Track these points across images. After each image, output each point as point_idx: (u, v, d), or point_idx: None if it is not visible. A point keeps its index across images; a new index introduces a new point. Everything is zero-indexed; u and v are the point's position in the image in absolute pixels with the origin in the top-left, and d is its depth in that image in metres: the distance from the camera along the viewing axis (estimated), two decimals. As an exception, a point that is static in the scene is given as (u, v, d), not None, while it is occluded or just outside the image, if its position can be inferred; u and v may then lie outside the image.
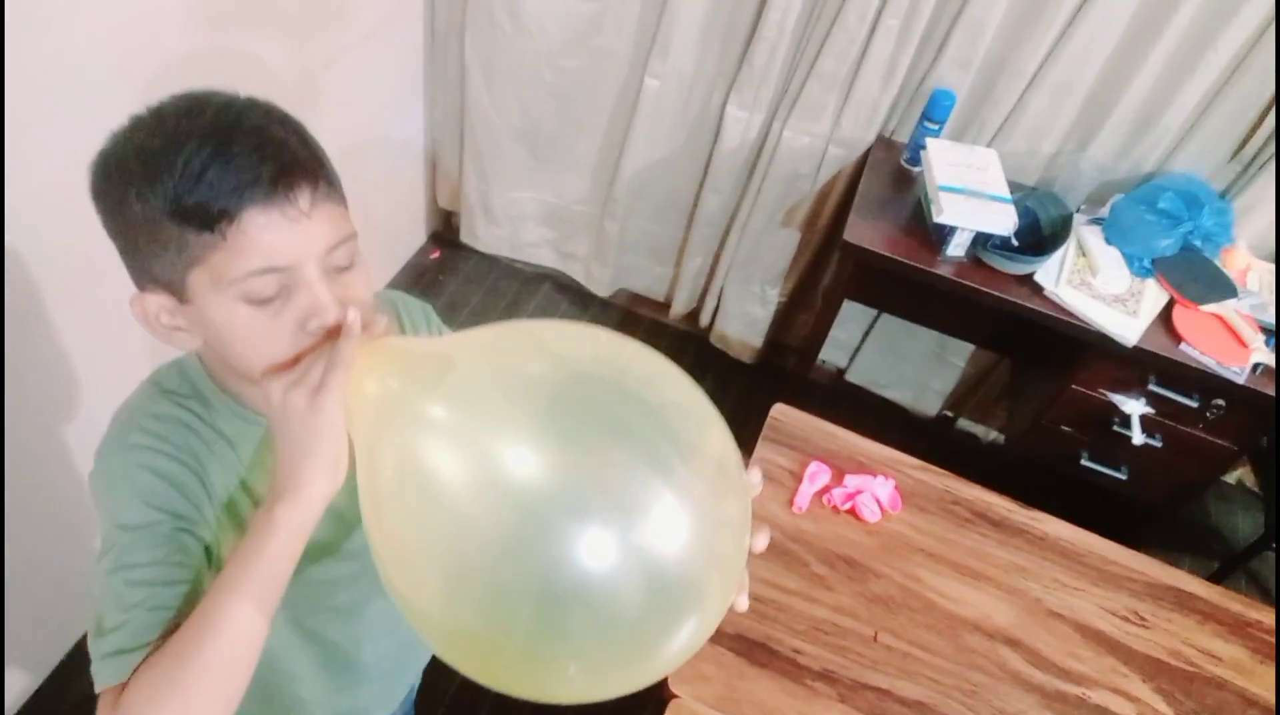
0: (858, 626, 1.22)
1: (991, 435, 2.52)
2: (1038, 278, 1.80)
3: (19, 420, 1.42)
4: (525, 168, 2.46)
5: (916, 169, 2.00)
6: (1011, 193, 1.83)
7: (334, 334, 0.66)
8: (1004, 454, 2.39)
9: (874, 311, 2.42)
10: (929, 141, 1.90)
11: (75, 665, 1.71)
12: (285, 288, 0.66)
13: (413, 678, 1.15)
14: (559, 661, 0.59)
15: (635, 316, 2.72)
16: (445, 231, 2.80)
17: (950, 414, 2.56)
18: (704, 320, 2.61)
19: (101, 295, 1.34)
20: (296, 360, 0.67)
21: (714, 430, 0.65)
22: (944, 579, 1.29)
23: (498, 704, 1.70)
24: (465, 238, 2.68)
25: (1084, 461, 1.98)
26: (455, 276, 2.71)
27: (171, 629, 0.65)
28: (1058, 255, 1.83)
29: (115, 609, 0.66)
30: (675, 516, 0.58)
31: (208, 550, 0.74)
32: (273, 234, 0.64)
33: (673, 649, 0.60)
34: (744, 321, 2.51)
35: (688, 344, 2.67)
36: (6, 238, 1.25)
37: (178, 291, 0.67)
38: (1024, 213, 1.85)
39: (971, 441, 2.55)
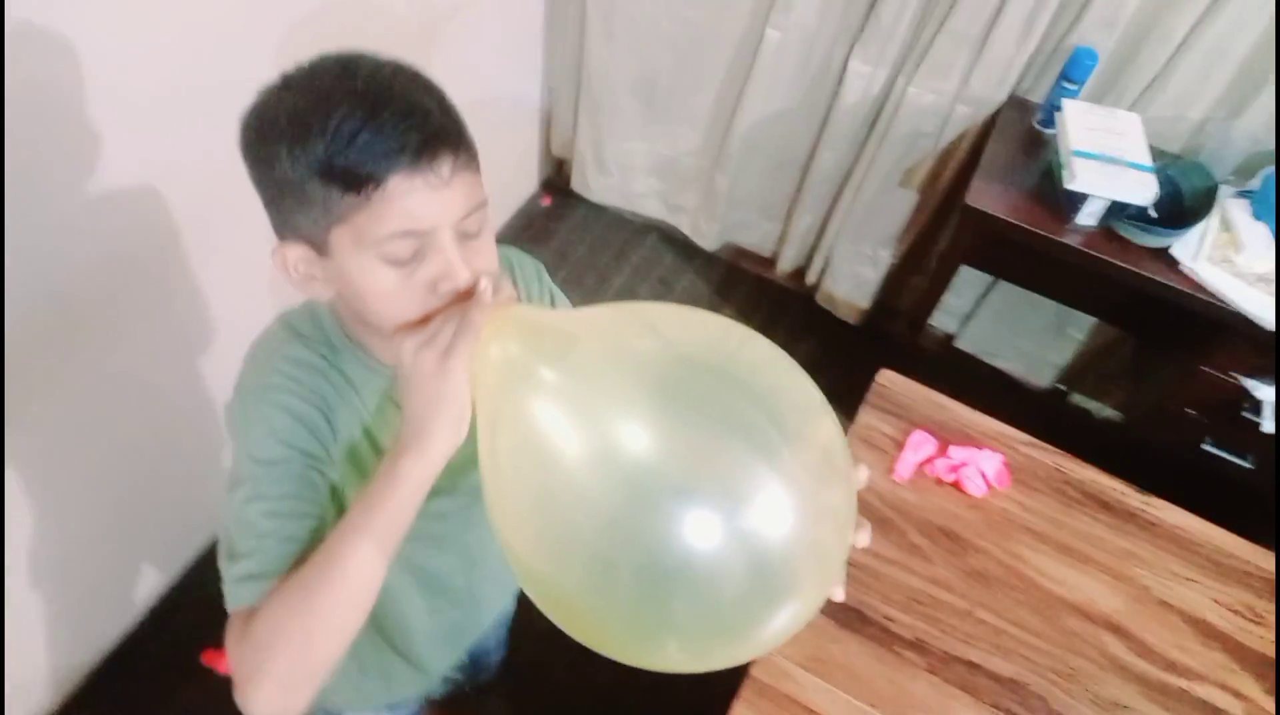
0: (953, 600, 1.20)
1: (1106, 412, 2.42)
2: (1175, 252, 1.70)
3: (162, 347, 1.53)
4: (639, 119, 2.45)
5: (1050, 132, 1.90)
6: (1153, 160, 1.72)
7: (463, 297, 0.69)
8: (1119, 432, 2.29)
9: (991, 278, 2.33)
10: (1065, 103, 1.80)
11: (202, 570, 1.84)
12: (420, 250, 0.69)
13: (505, 604, 1.21)
14: (655, 633, 0.61)
15: (740, 272, 2.71)
16: (557, 179, 2.83)
17: (1063, 388, 2.46)
18: (810, 279, 2.57)
19: (238, 239, 1.42)
20: (426, 319, 0.70)
21: (822, 419, 0.65)
22: (1048, 560, 1.26)
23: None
24: (576, 186, 2.70)
25: (1206, 446, 1.88)
26: (564, 224, 2.75)
27: (300, 560, 0.70)
28: (1198, 229, 1.72)
29: (248, 536, 0.71)
30: (778, 502, 0.59)
31: (335, 490, 0.79)
32: (415, 200, 0.66)
33: (768, 632, 0.62)
34: (852, 282, 2.46)
35: (792, 302, 2.64)
36: (153, 180, 1.34)
37: (319, 246, 0.71)
38: (1165, 182, 1.74)
39: (1084, 418, 2.45)
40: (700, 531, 0.57)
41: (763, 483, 0.59)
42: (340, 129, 0.64)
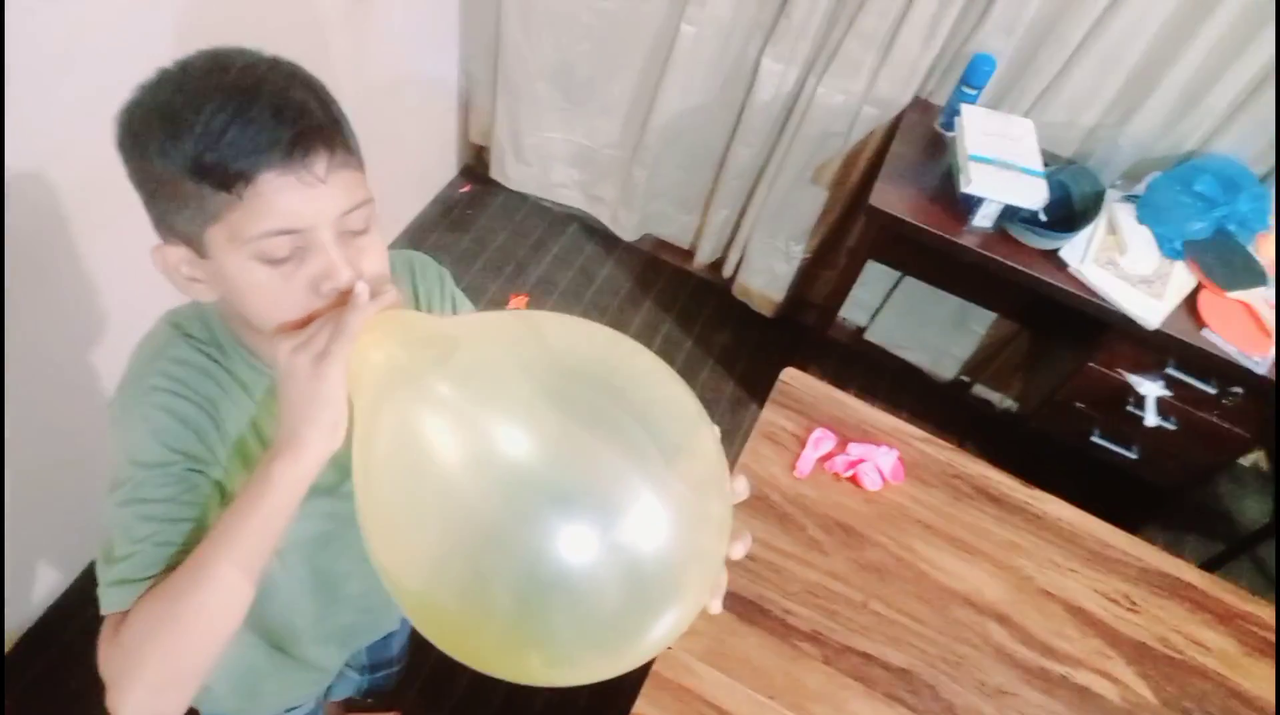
0: (849, 592, 1.25)
1: (1006, 403, 2.52)
2: (1063, 254, 1.78)
3: (50, 341, 1.47)
4: (557, 108, 2.44)
5: (950, 134, 1.97)
6: (1046, 164, 1.80)
7: (346, 298, 0.68)
8: (1017, 423, 2.40)
9: (898, 273, 2.40)
10: (964, 108, 1.87)
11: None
12: (299, 249, 0.68)
13: (395, 617, 1.20)
14: (533, 648, 0.61)
15: (659, 263, 2.73)
16: (476, 166, 2.80)
17: (966, 379, 2.56)
18: (727, 271, 2.60)
19: (126, 225, 1.37)
20: (308, 320, 0.69)
21: (702, 431, 0.66)
22: (938, 551, 1.31)
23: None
24: (495, 174, 2.68)
25: (1095, 438, 1.99)
26: (484, 212, 2.72)
27: (175, 564, 0.69)
28: (1086, 232, 1.81)
29: (125, 540, 0.70)
30: (656, 513, 0.59)
31: (221, 488, 0.78)
32: (287, 197, 0.65)
33: (648, 642, 0.62)
34: (767, 275, 2.51)
35: (709, 294, 2.67)
36: (32, 162, 1.28)
37: (196, 246, 0.69)
38: (1056, 186, 1.82)
39: (986, 408, 2.55)
40: (577, 542, 0.57)
41: (639, 493, 0.59)
42: (210, 125, 0.63)
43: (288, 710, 1.14)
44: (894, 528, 1.33)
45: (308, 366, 0.65)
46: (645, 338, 2.53)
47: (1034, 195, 1.73)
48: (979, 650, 1.23)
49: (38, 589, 1.72)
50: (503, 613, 0.59)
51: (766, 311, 2.60)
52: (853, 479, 1.36)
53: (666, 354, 2.49)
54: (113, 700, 0.66)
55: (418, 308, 0.92)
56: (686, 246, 2.67)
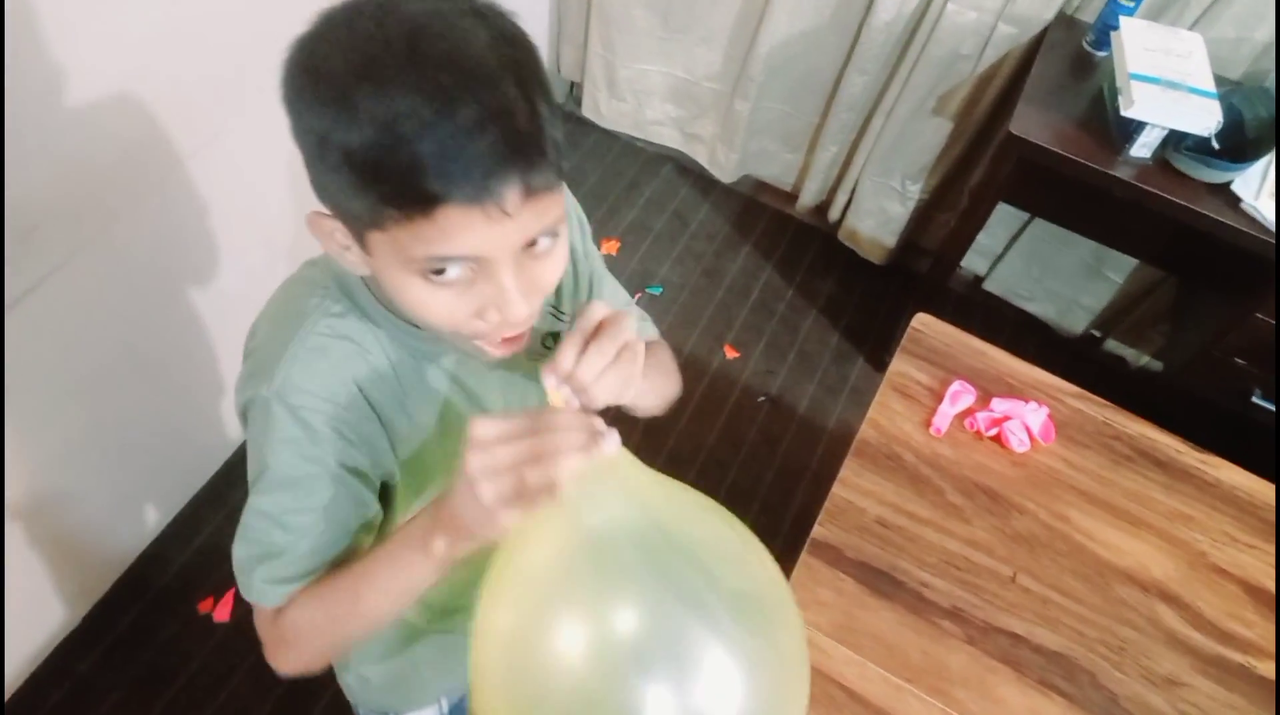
0: (994, 565, 1.11)
1: (1143, 360, 2.30)
2: (1235, 187, 1.56)
3: (161, 282, 1.43)
4: (655, 38, 2.28)
5: (1102, 54, 1.75)
6: (1216, 86, 1.57)
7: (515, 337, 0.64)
8: (1158, 382, 2.18)
9: (1025, 215, 2.19)
10: (1122, 20, 1.65)
11: (202, 509, 1.78)
12: (470, 271, 0.58)
13: None
14: None
15: (759, 206, 2.57)
16: (567, 103, 2.67)
17: (1097, 333, 2.34)
18: (833, 215, 2.43)
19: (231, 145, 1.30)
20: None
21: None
22: (1097, 521, 1.16)
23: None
24: (587, 111, 2.55)
25: (1256, 399, 1.77)
26: (574, 152, 2.60)
27: (331, 563, 0.70)
28: (1262, 163, 1.58)
29: (275, 533, 0.69)
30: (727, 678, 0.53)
31: (385, 487, 0.76)
32: (469, 231, 0.54)
33: None
34: (878, 218, 2.33)
35: (813, 240, 2.51)
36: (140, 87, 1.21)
37: (356, 233, 0.60)
38: (1227, 110, 1.59)
39: (1119, 365, 2.34)
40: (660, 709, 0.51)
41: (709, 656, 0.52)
42: (398, 125, 0.51)
43: (446, 694, 1.09)
44: (1045, 494, 1.18)
45: (491, 502, 0.54)
46: (744, 287, 2.38)
47: (1206, 119, 1.51)
48: (1145, 634, 1.08)
49: (145, 521, 1.70)
50: None
51: (876, 258, 2.42)
52: (996, 438, 1.21)
53: (766, 304, 2.35)
54: (272, 660, 0.72)
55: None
56: (789, 188, 2.50)
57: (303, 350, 0.68)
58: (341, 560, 0.71)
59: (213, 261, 1.52)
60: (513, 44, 0.56)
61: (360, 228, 0.58)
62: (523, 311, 0.60)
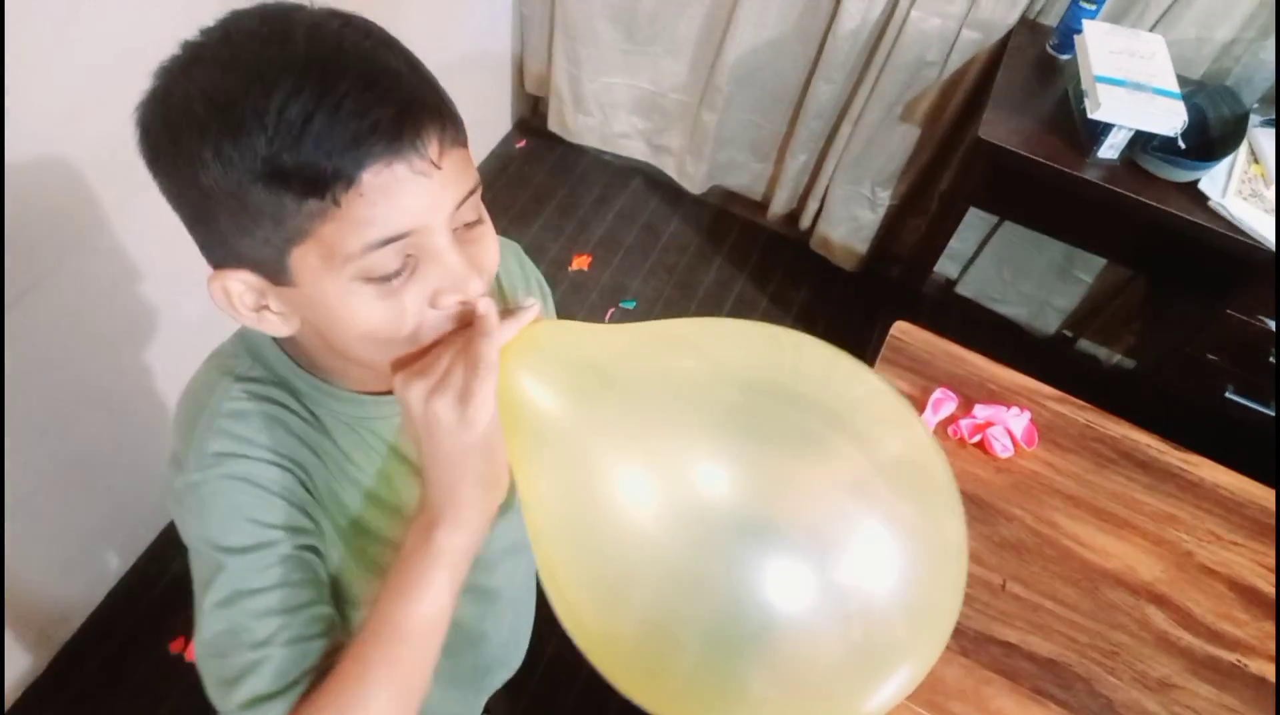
0: (984, 573, 1.10)
1: (1115, 358, 2.32)
2: (1202, 186, 1.58)
3: (95, 307, 1.38)
4: (619, 50, 2.27)
5: (1065, 57, 1.76)
6: (1179, 87, 1.59)
7: (465, 317, 0.55)
8: (1131, 380, 2.20)
9: (994, 219, 2.20)
10: (1086, 24, 1.66)
11: (169, 547, 1.72)
12: (410, 258, 0.53)
13: (526, 638, 1.08)
14: (730, 707, 0.50)
15: (729, 217, 2.56)
16: (532, 119, 2.65)
17: (1069, 334, 2.36)
18: (804, 223, 2.43)
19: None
20: (425, 350, 0.56)
21: (916, 430, 0.54)
22: (1083, 525, 1.15)
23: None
24: (553, 126, 2.53)
25: (1229, 394, 1.78)
26: (541, 167, 2.58)
27: (317, 662, 0.58)
28: (1227, 161, 1.60)
29: (242, 647, 0.58)
30: (878, 543, 0.48)
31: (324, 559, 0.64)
32: (399, 194, 0.50)
33: (868, 708, 0.50)
34: (849, 226, 2.33)
35: (784, 248, 2.50)
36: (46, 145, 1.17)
37: (272, 271, 0.54)
38: (1191, 111, 1.60)
39: (1092, 364, 2.35)
40: (781, 585, 0.46)
41: (855, 519, 0.48)
42: (285, 113, 0.47)
43: None
44: (1030, 499, 1.17)
45: (451, 412, 0.52)
46: (717, 298, 2.37)
47: (1172, 119, 1.52)
48: (1136, 637, 1.07)
49: (105, 566, 1.65)
50: (697, 670, 0.49)
51: (848, 265, 2.42)
52: (980, 445, 1.20)
53: (740, 315, 2.33)
54: None
55: (503, 297, 0.77)
56: (759, 197, 2.50)
57: (219, 418, 0.61)
58: (329, 651, 0.60)
59: (173, 293, 1.48)
60: (370, 26, 0.54)
61: (277, 254, 0.52)
62: (476, 283, 0.55)
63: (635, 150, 2.53)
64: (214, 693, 0.59)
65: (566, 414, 0.52)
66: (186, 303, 1.50)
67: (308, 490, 0.63)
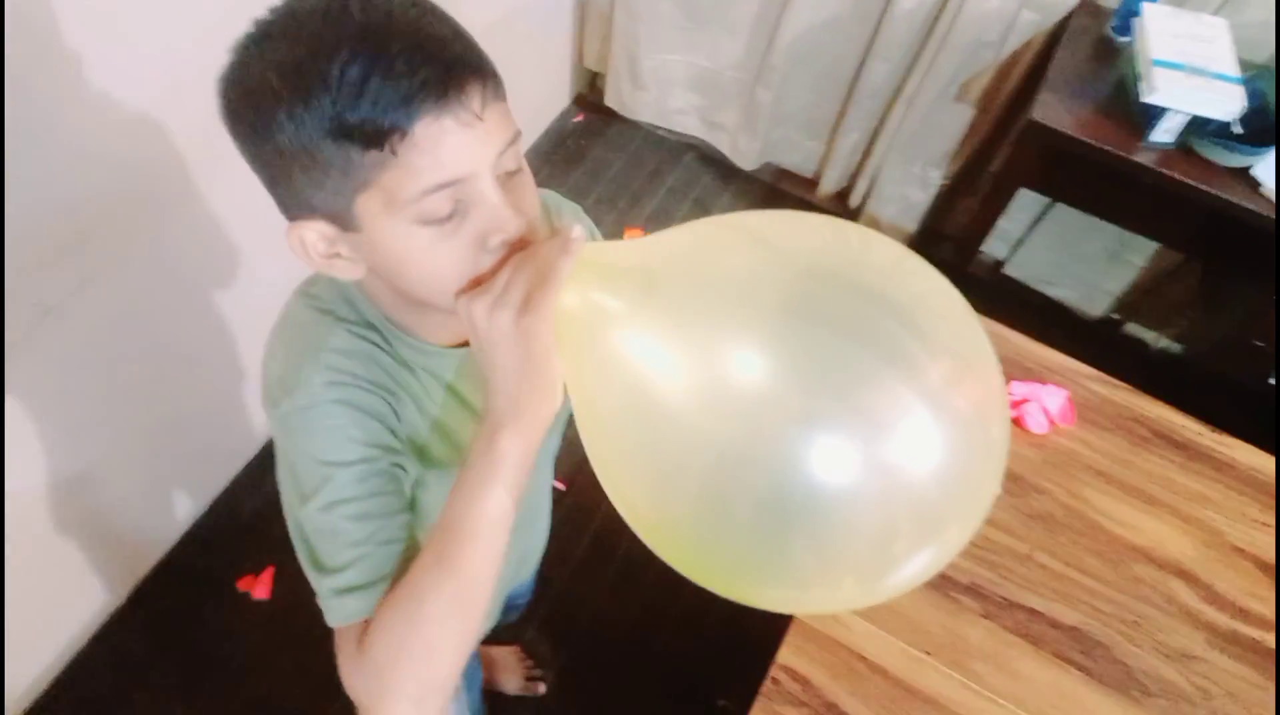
0: (1013, 543, 1.14)
1: (1162, 342, 2.31)
2: (1256, 172, 1.57)
3: (186, 278, 1.47)
4: (678, 28, 2.31)
5: (1124, 40, 1.75)
6: (1240, 71, 1.58)
7: (517, 247, 0.61)
8: (1177, 364, 2.19)
9: (1046, 200, 2.20)
10: (1145, 7, 1.65)
11: (239, 493, 1.84)
12: (461, 203, 0.60)
13: (539, 551, 1.16)
14: (772, 576, 0.55)
15: (780, 194, 2.59)
16: (590, 94, 2.70)
17: (1118, 317, 2.35)
18: (854, 201, 2.45)
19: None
20: (479, 281, 0.62)
21: (976, 332, 0.57)
22: (1114, 502, 1.18)
23: (622, 571, 1.73)
24: (610, 101, 2.58)
25: (1273, 381, 1.78)
26: (597, 142, 2.63)
27: (403, 562, 0.65)
28: (1284, 147, 1.59)
29: (340, 545, 0.66)
30: (926, 431, 0.52)
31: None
32: (448, 144, 0.57)
33: (896, 580, 0.55)
34: (899, 205, 2.34)
35: (835, 226, 2.52)
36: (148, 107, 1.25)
37: (342, 219, 0.61)
38: (1250, 95, 1.60)
39: (1139, 348, 2.34)
40: (830, 463, 0.51)
41: (905, 406, 0.51)
42: (346, 76, 0.54)
43: None
44: (1063, 475, 1.20)
45: (510, 325, 0.58)
46: (767, 271, 2.41)
47: (1228, 104, 1.52)
48: (1160, 610, 1.11)
49: (179, 509, 1.77)
50: (749, 542, 0.54)
51: (897, 244, 2.43)
52: (1016, 421, 1.24)
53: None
54: (375, 707, 0.63)
55: None
56: (810, 175, 2.52)
57: (326, 353, 0.69)
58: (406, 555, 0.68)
59: (234, 265, 1.57)
60: (424, 3, 0.60)
61: (345, 201, 0.59)
62: (518, 222, 0.61)
63: (690, 126, 2.57)
64: (313, 577, 0.67)
65: (619, 315, 0.57)
66: (258, 271, 1.59)
67: (396, 416, 0.71)
